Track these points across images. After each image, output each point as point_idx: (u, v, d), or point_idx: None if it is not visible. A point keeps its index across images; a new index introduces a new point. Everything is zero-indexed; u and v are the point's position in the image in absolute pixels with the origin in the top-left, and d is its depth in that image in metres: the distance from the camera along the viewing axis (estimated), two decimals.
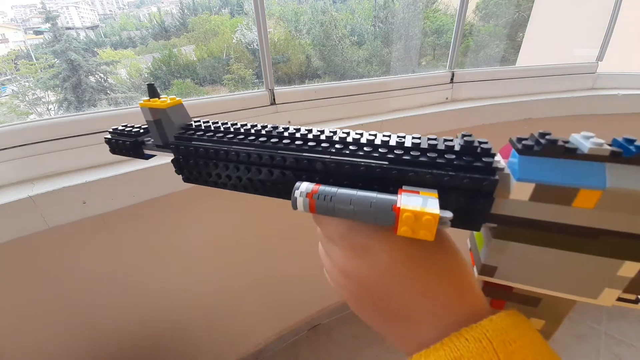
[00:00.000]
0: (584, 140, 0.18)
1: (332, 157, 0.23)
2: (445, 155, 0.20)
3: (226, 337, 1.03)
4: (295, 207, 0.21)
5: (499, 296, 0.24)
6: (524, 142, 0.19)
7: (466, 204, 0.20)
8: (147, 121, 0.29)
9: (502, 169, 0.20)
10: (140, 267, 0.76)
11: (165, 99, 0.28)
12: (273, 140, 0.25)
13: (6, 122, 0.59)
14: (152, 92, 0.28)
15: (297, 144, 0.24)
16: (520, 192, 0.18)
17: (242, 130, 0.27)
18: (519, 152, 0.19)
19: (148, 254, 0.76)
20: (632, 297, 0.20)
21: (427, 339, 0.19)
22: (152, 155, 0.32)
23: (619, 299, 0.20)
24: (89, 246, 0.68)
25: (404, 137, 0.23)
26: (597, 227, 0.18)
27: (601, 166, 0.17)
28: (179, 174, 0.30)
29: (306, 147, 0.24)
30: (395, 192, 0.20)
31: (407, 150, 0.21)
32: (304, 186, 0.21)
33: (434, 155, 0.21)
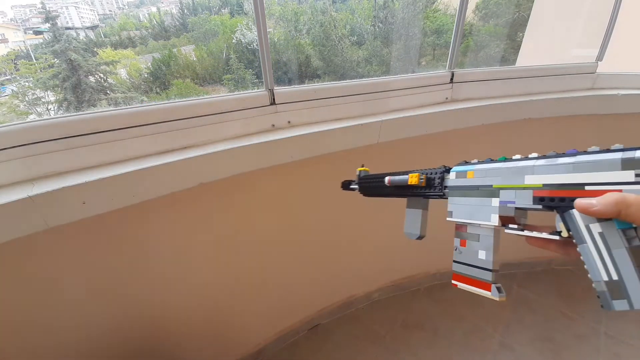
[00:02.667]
0: None
1: None
2: None
3: (226, 337, 1.03)
4: None
5: None
6: None
7: None
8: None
9: None
10: (140, 267, 0.76)
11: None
12: None
13: (6, 122, 0.59)
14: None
15: None
16: None
17: None
18: None
19: (148, 254, 0.76)
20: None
21: None
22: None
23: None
24: (89, 246, 0.68)
25: None
26: None
27: None
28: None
29: None
30: None
31: None
32: None
33: None
